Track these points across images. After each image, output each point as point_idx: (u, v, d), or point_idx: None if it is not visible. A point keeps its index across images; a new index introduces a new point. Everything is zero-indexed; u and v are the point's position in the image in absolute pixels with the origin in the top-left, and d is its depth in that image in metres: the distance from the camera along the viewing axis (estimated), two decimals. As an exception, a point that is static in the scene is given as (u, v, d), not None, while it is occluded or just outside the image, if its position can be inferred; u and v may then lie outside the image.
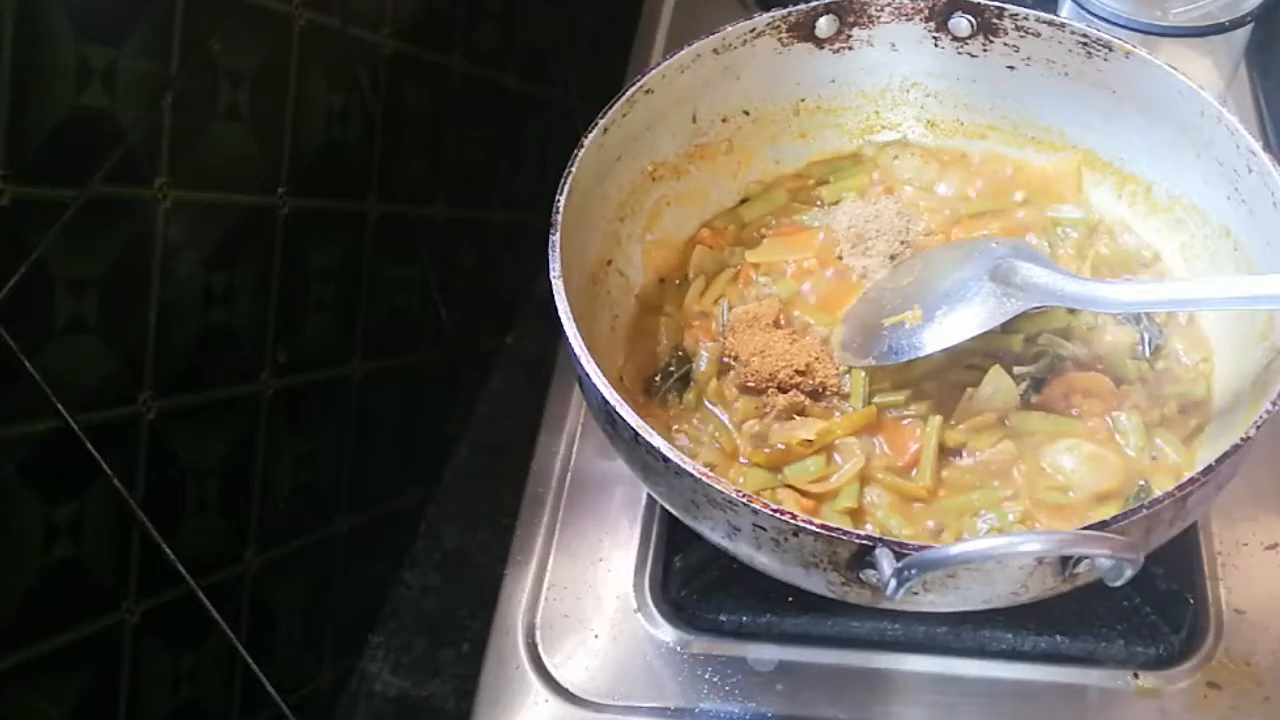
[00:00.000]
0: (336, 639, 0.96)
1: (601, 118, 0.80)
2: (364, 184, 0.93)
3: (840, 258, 0.86)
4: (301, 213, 0.85)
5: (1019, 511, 0.74)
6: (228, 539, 0.82)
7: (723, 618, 0.82)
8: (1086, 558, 0.62)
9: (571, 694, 0.80)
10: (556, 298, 0.71)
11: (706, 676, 0.80)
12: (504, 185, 1.16)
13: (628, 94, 0.81)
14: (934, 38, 0.89)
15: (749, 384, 0.79)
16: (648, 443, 0.65)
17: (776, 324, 0.82)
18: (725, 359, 0.81)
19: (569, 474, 0.91)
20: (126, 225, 0.70)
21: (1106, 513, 0.65)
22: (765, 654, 0.80)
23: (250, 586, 0.85)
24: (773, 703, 0.78)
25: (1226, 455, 0.64)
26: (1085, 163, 0.90)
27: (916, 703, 0.78)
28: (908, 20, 0.88)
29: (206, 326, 0.78)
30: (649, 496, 0.87)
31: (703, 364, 0.82)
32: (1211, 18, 0.90)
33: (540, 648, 0.82)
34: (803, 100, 0.92)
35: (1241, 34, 0.92)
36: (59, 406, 0.66)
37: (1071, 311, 0.81)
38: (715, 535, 0.69)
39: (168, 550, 0.76)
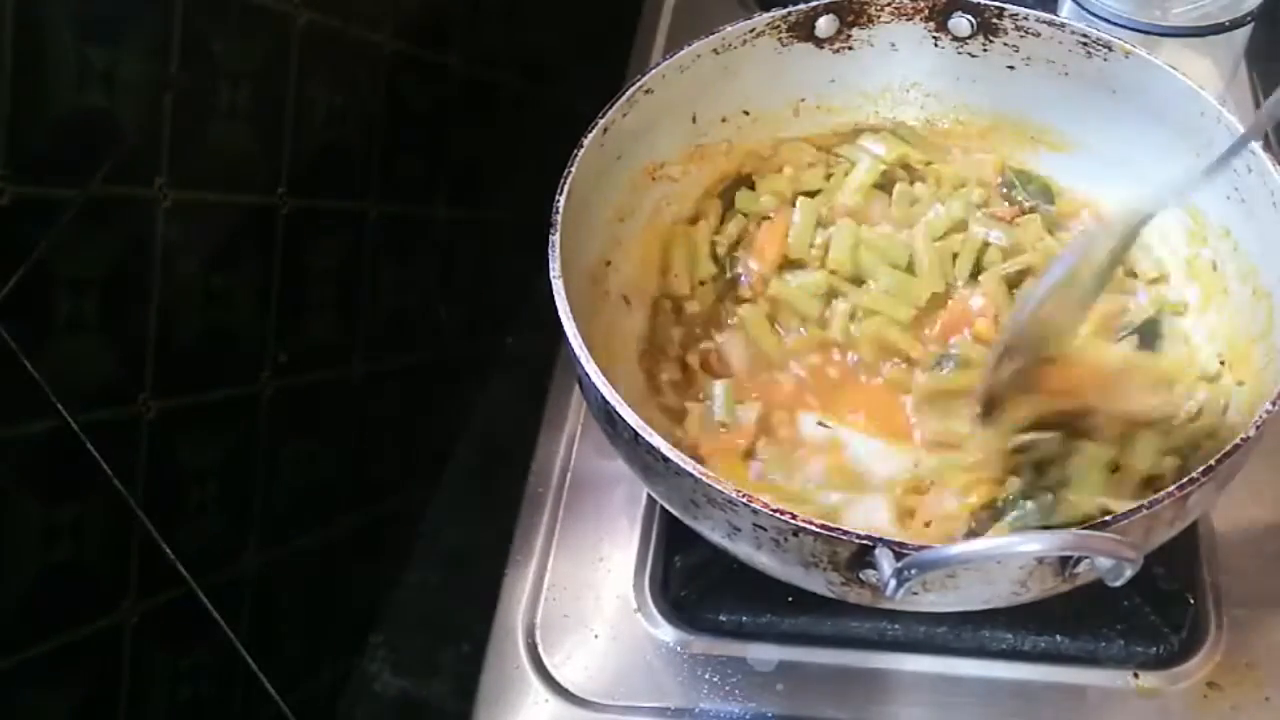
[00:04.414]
0: (336, 639, 0.96)
1: (601, 118, 0.80)
2: (364, 184, 0.93)
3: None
4: (301, 213, 0.85)
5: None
6: (228, 539, 0.82)
7: (723, 618, 0.82)
8: (1086, 558, 0.62)
9: (571, 694, 0.80)
10: (556, 298, 0.71)
11: (706, 676, 0.80)
12: (504, 185, 1.16)
13: (628, 94, 0.81)
14: (934, 38, 0.89)
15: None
16: (648, 443, 0.65)
17: None
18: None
19: (569, 474, 0.91)
20: (126, 225, 0.70)
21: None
22: (765, 654, 0.80)
23: (250, 586, 0.84)
24: (773, 703, 0.78)
25: (1226, 455, 0.64)
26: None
27: (916, 703, 0.78)
28: (908, 20, 0.88)
29: (206, 326, 0.77)
30: (649, 496, 0.87)
31: (718, 403, 0.81)
32: (1211, 18, 0.90)
33: (540, 648, 0.82)
34: (803, 100, 0.92)
35: (1241, 34, 0.92)
36: (59, 406, 0.66)
37: None
38: (715, 535, 0.69)
39: (168, 550, 0.76)
